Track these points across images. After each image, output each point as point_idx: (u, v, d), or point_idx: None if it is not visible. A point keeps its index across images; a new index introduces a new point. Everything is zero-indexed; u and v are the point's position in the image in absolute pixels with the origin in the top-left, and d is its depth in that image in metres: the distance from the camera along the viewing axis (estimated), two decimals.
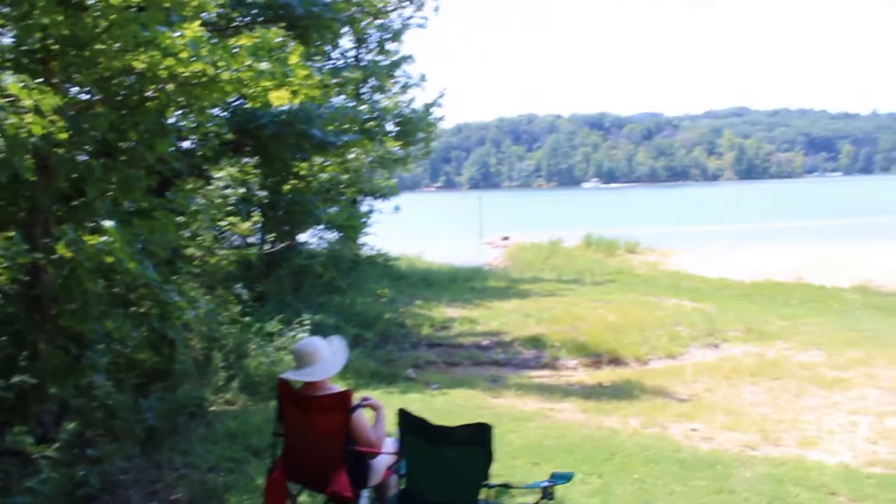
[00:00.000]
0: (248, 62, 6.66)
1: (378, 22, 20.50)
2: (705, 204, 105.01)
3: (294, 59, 7.17)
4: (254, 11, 11.07)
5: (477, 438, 4.27)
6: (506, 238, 48.84)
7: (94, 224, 6.48)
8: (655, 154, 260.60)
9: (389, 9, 20.94)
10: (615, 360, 12.68)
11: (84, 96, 6.96)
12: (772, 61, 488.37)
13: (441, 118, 22.80)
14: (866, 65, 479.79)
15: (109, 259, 5.71)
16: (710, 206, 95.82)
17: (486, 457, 4.27)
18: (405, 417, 4.53)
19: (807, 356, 12.47)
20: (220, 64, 6.38)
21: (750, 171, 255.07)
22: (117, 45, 6.07)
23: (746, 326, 14.74)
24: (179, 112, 7.93)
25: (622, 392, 10.48)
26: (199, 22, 6.52)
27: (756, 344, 13.51)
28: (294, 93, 7.32)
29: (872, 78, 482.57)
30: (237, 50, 6.66)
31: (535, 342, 13.62)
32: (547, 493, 4.37)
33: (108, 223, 5.84)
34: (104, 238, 5.70)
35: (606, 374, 11.80)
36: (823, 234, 48.10)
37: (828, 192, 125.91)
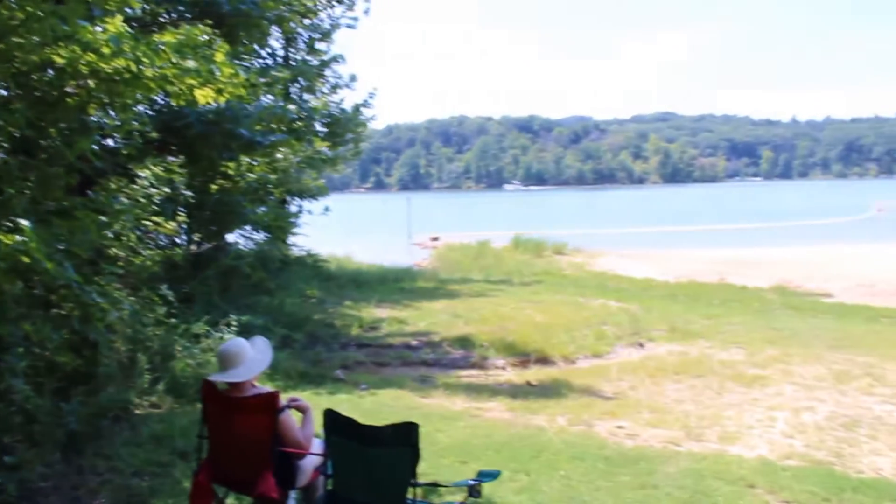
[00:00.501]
0: (173, 59, 6.55)
1: (307, 21, 20.34)
2: (631, 206, 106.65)
3: (220, 57, 7.07)
4: (180, 8, 10.89)
5: (404, 438, 4.28)
6: (435, 239, 48.93)
7: (10, 223, 6.31)
8: (583, 157, 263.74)
9: (319, 8, 20.80)
10: (543, 360, 12.80)
11: (0, 92, 6.77)
12: (697, 68, 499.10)
13: (371, 119, 22.73)
14: (787, 73, 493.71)
15: (26, 259, 5.56)
16: (636, 209, 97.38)
17: (413, 456, 4.28)
18: (332, 418, 4.52)
19: (728, 354, 12.77)
20: (143, 60, 6.26)
21: (674, 174, 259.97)
22: (35, 38, 5.91)
23: (670, 326, 15.04)
24: (101, 109, 7.75)
25: (549, 391, 10.59)
26: (122, 17, 6.39)
27: (680, 343, 13.79)
28: (220, 91, 7.22)
29: (792, 86, 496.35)
30: (161, 46, 6.54)
31: (464, 342, 13.67)
32: (474, 491, 4.40)
33: (25, 223, 5.69)
34: (20, 238, 5.55)
35: (534, 374, 11.91)
36: (744, 237, 49.27)
37: (748, 196, 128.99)
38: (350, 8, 21.79)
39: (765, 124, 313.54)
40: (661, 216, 75.52)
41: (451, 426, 8.52)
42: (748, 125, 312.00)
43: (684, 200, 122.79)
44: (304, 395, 7.20)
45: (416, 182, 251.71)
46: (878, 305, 19.58)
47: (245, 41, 11.95)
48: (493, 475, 4.57)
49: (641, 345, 13.80)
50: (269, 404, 4.72)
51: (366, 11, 22.38)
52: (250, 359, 4.89)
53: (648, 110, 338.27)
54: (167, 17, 10.86)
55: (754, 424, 8.90)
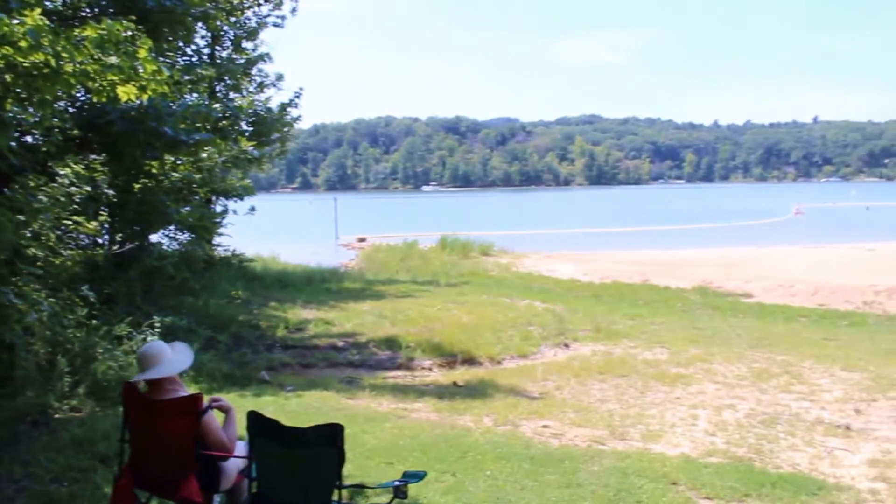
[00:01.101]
0: (95, 55, 6.41)
1: (233, 19, 20.12)
2: (557, 208, 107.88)
3: (143, 54, 6.94)
4: (102, 2, 10.65)
5: (328, 439, 4.26)
6: (362, 240, 48.97)
7: None
8: (510, 159, 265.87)
9: (245, 6, 20.59)
10: (469, 360, 12.87)
11: None
12: (623, 71, 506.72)
13: (297, 118, 22.54)
14: (711, 77, 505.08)
15: None
16: (562, 211, 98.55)
17: (338, 457, 4.26)
18: (256, 419, 4.48)
19: (652, 354, 13.01)
20: (63, 55, 6.11)
21: (600, 176, 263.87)
22: None
23: (595, 326, 15.25)
24: (19, 104, 7.54)
25: (476, 391, 10.65)
26: (40, 10, 6.23)
27: (604, 343, 14.00)
28: (143, 88, 7.09)
29: (715, 90, 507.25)
30: (82, 41, 6.39)
31: (391, 343, 13.67)
32: (399, 492, 4.40)
33: None
34: None
35: (460, 374, 11.97)
36: (668, 238, 50.21)
37: (672, 198, 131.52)
38: (277, 7, 21.63)
39: (688, 128, 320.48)
40: (587, 218, 76.60)
41: (378, 427, 8.50)
42: (672, 128, 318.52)
43: (609, 202, 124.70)
44: (229, 398, 7.11)
45: (343, 182, 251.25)
46: (796, 305, 20.18)
47: (169, 38, 11.75)
48: (418, 476, 4.58)
49: (567, 345, 13.96)
50: (191, 406, 4.65)
51: (293, 11, 22.24)
52: (169, 359, 4.84)
53: (574, 112, 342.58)
54: (89, 11, 10.61)
55: (677, 423, 9.08)
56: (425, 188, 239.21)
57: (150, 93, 7.28)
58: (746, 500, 6.49)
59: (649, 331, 15.14)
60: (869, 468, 7.50)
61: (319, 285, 21.61)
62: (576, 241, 46.58)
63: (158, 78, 7.13)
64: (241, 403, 8.78)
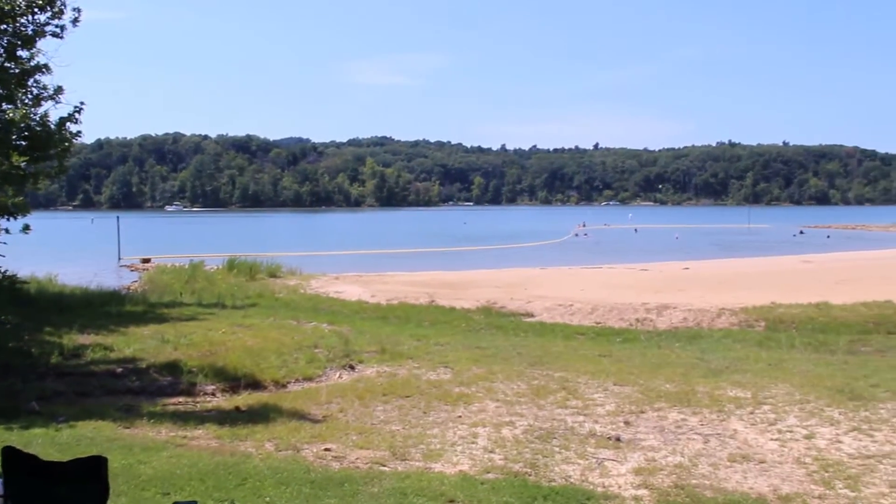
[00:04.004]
0: None
1: (4, 26, 18.89)
2: (348, 229, 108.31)
3: None
4: None
5: (91, 473, 4.07)
6: (146, 261, 47.48)
7: None
8: (301, 179, 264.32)
9: (18, 12, 19.39)
10: (253, 384, 12.67)
11: None
12: (413, 95, 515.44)
13: (78, 133, 21.40)
14: (499, 102, 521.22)
15: None
16: (352, 232, 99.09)
17: (102, 491, 4.08)
18: (10, 455, 4.22)
19: (436, 374, 13.27)
20: None
21: (390, 198, 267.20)
22: None
23: (381, 347, 15.37)
24: None
25: (259, 416, 10.49)
26: None
27: (389, 364, 14.13)
28: None
29: (503, 116, 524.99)
30: None
31: (172, 368, 13.23)
32: None
33: None
34: None
35: (244, 399, 11.77)
36: (455, 260, 51.55)
37: (460, 220, 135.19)
38: (57, 16, 20.49)
39: (476, 151, 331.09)
40: (377, 239, 77.34)
41: (155, 457, 8.20)
42: (461, 152, 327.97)
43: (399, 224, 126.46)
44: None
45: (128, 200, 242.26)
46: (575, 324, 21.21)
47: None
48: None
49: (352, 367, 13.99)
50: None
51: (74, 21, 21.14)
52: None
53: (366, 134, 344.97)
54: None
55: (458, 441, 9.29)
56: (168, 208, 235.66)
57: None
58: None
59: (434, 351, 15.41)
60: (635, 476, 7.97)
61: (99, 308, 20.60)
62: (365, 263, 46.93)
63: None
64: (6, 437, 8.25)
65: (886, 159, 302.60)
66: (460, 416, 10.51)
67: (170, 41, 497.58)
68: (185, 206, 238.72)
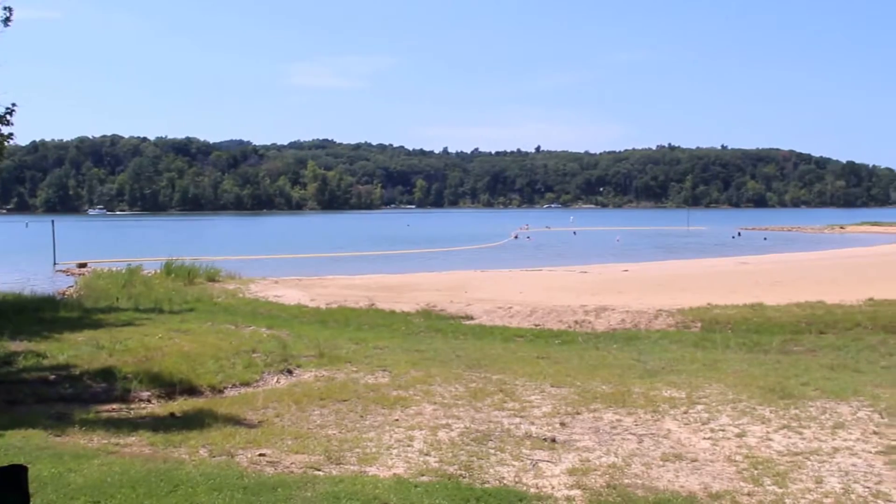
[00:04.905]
0: None
1: None
2: (288, 233, 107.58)
3: None
4: None
5: (11, 483, 3.99)
6: (82, 265, 46.86)
7: None
8: (242, 182, 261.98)
9: None
10: (190, 390, 12.50)
11: None
12: (355, 97, 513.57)
13: (10, 135, 20.99)
14: (441, 105, 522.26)
15: None
16: (293, 235, 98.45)
17: (23, 501, 4.00)
18: None
19: (374, 378, 13.23)
20: None
21: (332, 201, 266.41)
22: None
23: (319, 351, 15.29)
24: None
25: (194, 422, 10.36)
26: None
27: (327, 368, 14.08)
28: None
29: (445, 118, 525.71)
30: None
31: (107, 375, 12.98)
32: None
33: None
34: None
35: (179, 405, 11.60)
36: (396, 263, 51.54)
37: (402, 223, 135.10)
38: None
39: (419, 154, 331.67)
40: (317, 243, 77.00)
41: (86, 465, 8.05)
42: (403, 155, 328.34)
43: (341, 227, 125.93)
44: None
45: (64, 204, 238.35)
46: (514, 326, 21.36)
47: None
48: None
49: (290, 371, 13.90)
50: None
51: (5, 21, 20.70)
52: None
53: (307, 137, 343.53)
54: None
55: (393, 444, 9.27)
56: (90, 211, 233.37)
57: None
58: None
59: (372, 355, 15.38)
60: (568, 477, 8.03)
61: (32, 314, 20.19)
62: (305, 266, 46.73)
63: None
64: None
65: (821, 162, 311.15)
66: (397, 420, 10.50)
67: (108, 42, 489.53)
68: (108, 211, 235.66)
